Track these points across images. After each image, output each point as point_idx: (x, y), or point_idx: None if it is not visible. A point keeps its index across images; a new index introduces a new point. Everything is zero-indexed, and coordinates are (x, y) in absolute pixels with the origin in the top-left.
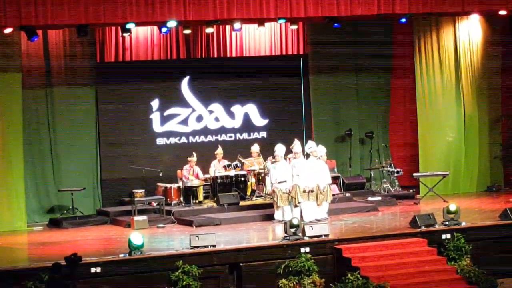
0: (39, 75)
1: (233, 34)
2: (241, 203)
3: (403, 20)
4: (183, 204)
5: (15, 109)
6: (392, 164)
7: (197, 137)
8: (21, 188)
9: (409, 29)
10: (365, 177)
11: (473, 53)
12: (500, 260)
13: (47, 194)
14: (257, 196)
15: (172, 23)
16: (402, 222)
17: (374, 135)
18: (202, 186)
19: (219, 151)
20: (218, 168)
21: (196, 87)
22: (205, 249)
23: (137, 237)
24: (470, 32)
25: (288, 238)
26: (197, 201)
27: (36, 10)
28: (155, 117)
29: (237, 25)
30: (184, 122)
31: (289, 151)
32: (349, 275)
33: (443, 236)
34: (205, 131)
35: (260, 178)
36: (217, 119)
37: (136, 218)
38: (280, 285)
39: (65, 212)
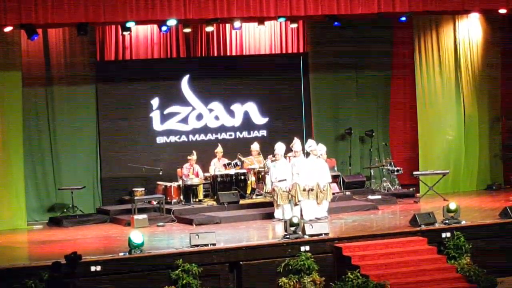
0: (39, 73)
1: (233, 32)
2: (241, 202)
3: (403, 18)
4: (183, 203)
5: (15, 107)
6: (392, 163)
7: (197, 135)
8: (21, 186)
9: (409, 28)
10: (365, 175)
11: (473, 52)
12: (500, 259)
13: (47, 193)
14: (257, 195)
15: (172, 22)
16: (402, 221)
17: (374, 134)
18: (202, 185)
19: (219, 149)
20: (218, 166)
21: (196, 86)
22: (205, 248)
23: (137, 235)
24: (470, 30)
25: (288, 236)
26: (197, 200)
27: (36, 8)
28: (155, 115)
29: (237, 23)
30: (184, 120)
31: (289, 149)
32: (349, 273)
33: (443, 235)
34: (205, 130)
35: (260, 176)
36: (217, 118)
37: (136, 216)
38: (280, 283)
39: (65, 210)
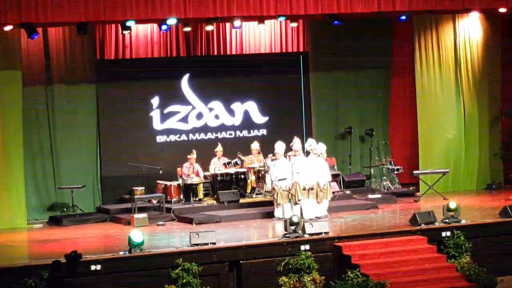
0: (39, 72)
1: (233, 31)
2: (241, 201)
3: (403, 17)
4: (183, 202)
5: (15, 106)
6: (392, 162)
7: (197, 134)
8: (21, 185)
9: (409, 27)
10: (365, 174)
11: (473, 51)
12: (500, 258)
13: (47, 192)
14: (257, 194)
15: (172, 21)
16: (402, 220)
17: (374, 133)
18: (202, 184)
19: (219, 148)
20: (218, 165)
21: (196, 85)
22: (205, 247)
23: (137, 234)
24: (470, 29)
25: (288, 235)
26: (197, 199)
27: (36, 7)
28: (155, 114)
29: (237, 22)
30: (184, 119)
31: (289, 148)
32: (349, 272)
33: (443, 234)
34: (205, 129)
35: (260, 175)
36: (217, 117)
37: (136, 215)
38: (280, 282)
39: (65, 209)
